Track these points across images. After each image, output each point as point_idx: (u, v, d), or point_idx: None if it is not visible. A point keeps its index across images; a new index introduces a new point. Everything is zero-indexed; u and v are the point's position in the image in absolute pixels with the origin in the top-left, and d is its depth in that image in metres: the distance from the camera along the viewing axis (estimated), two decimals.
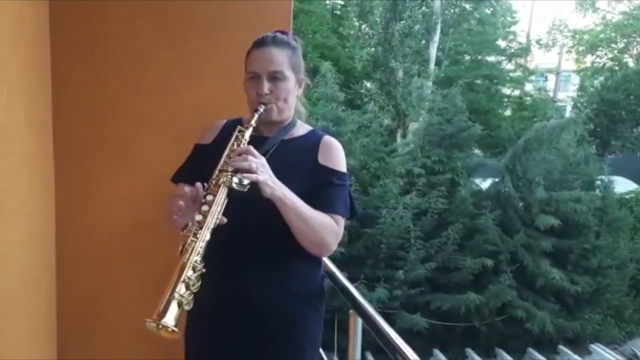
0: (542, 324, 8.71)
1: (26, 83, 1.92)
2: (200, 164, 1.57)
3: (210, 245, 1.32)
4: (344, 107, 11.38)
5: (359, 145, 10.06)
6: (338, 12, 17.48)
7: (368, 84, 15.46)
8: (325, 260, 1.86)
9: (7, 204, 1.78)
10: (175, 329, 1.17)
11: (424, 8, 14.83)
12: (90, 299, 2.25)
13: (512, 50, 19.31)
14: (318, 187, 1.56)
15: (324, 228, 1.52)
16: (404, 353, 1.41)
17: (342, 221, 1.58)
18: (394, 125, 13.81)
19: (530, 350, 8.91)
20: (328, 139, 1.65)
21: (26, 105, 1.92)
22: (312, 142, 1.64)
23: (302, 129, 1.68)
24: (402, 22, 13.95)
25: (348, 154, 1.74)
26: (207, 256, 1.30)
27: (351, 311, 1.87)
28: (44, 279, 2.15)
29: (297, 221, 1.47)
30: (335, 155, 1.62)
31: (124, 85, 2.17)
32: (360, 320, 1.83)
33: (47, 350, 2.20)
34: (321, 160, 1.60)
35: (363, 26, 16.73)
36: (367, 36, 16.12)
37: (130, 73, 2.17)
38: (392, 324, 1.61)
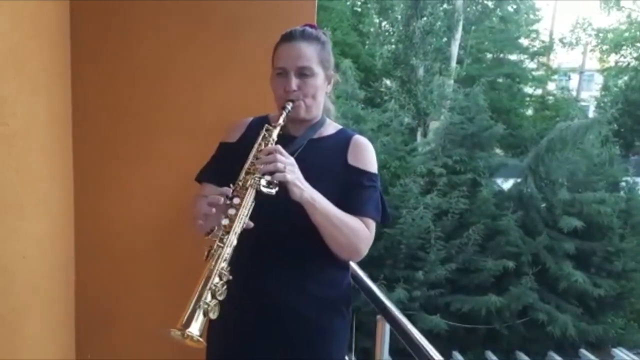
0: (564, 328, 8.62)
1: (47, 80, 1.91)
2: (226, 163, 1.52)
3: (235, 248, 1.26)
4: (363, 105, 11.31)
5: (379, 144, 10.01)
6: (358, 9, 17.36)
7: (388, 82, 15.35)
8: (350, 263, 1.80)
9: (27, 200, 1.76)
10: (201, 339, 1.12)
11: (445, 5, 14.64)
12: (109, 297, 2.23)
13: (535, 49, 18.96)
14: (348, 188, 1.50)
15: (355, 233, 1.46)
16: None
17: (373, 225, 1.51)
18: (414, 124, 13.66)
19: (551, 353, 8.83)
20: (358, 138, 1.58)
21: (47, 102, 1.91)
22: (341, 141, 1.57)
23: (331, 127, 1.62)
24: (423, 19, 13.78)
25: None
26: (232, 259, 1.25)
27: (379, 316, 1.81)
28: (63, 276, 2.14)
29: (326, 225, 1.41)
30: (365, 155, 1.56)
31: (144, 82, 2.14)
32: (387, 326, 1.77)
33: (66, 348, 2.18)
34: (351, 160, 1.54)
35: (383, 23, 16.59)
36: (387, 33, 15.96)
37: (151, 70, 2.14)
38: None
